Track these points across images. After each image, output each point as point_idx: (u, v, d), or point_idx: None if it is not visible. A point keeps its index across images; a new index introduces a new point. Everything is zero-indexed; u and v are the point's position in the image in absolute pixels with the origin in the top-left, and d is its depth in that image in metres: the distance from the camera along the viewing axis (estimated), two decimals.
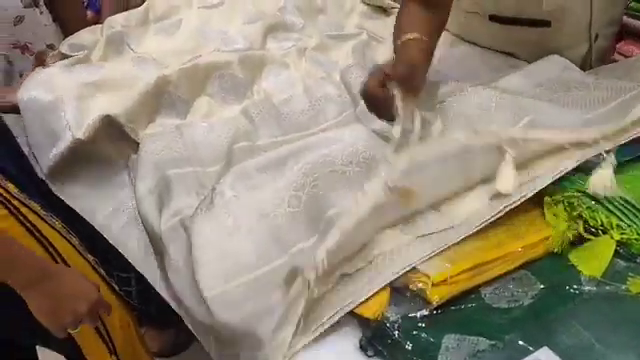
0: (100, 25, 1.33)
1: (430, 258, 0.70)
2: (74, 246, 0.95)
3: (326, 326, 0.67)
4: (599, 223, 0.73)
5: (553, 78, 1.00)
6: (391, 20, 1.01)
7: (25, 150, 1.07)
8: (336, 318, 0.67)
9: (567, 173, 0.77)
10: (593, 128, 0.83)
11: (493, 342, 0.63)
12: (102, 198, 1.00)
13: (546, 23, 1.05)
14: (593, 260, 0.70)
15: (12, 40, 1.40)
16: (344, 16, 1.39)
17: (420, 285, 0.68)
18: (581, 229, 0.74)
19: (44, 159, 1.02)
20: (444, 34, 1.22)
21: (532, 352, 0.61)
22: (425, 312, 0.66)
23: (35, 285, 0.77)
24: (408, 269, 0.69)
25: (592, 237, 0.73)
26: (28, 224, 0.89)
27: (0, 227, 0.85)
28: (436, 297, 0.67)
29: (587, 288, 0.68)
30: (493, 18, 1.10)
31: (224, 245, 0.76)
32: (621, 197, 0.74)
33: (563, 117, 0.89)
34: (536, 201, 0.77)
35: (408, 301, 0.68)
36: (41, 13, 1.42)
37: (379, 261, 0.71)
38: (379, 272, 0.70)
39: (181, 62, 1.11)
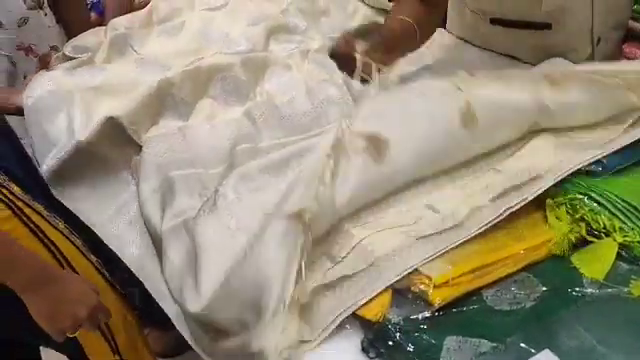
0: (104, 27, 1.33)
1: (432, 260, 0.70)
2: (77, 247, 0.95)
3: (330, 329, 0.67)
4: (601, 226, 0.73)
5: None
6: None
7: (29, 151, 1.08)
8: (338, 321, 0.67)
9: (569, 175, 0.77)
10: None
11: (495, 344, 0.63)
12: (103, 201, 1.00)
13: (547, 25, 1.06)
14: (595, 262, 0.70)
15: (16, 42, 1.41)
16: (347, 18, 1.39)
17: (422, 287, 0.68)
18: (583, 232, 0.74)
19: (46, 162, 1.02)
20: (447, 36, 1.23)
21: (534, 354, 0.61)
22: (427, 314, 0.66)
23: (35, 288, 0.77)
24: (410, 271, 0.70)
25: (594, 240, 0.73)
26: (32, 225, 0.90)
27: (4, 228, 0.85)
28: (438, 299, 0.67)
29: (589, 290, 0.68)
30: (495, 21, 1.11)
31: (227, 246, 0.76)
32: (624, 200, 0.74)
33: None
34: (538, 203, 0.77)
35: (410, 303, 0.68)
36: (45, 15, 1.42)
37: (380, 263, 0.71)
38: (380, 274, 0.70)
39: (184, 64, 1.12)
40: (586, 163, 0.78)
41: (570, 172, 0.78)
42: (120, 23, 1.31)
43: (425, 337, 0.64)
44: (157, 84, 1.06)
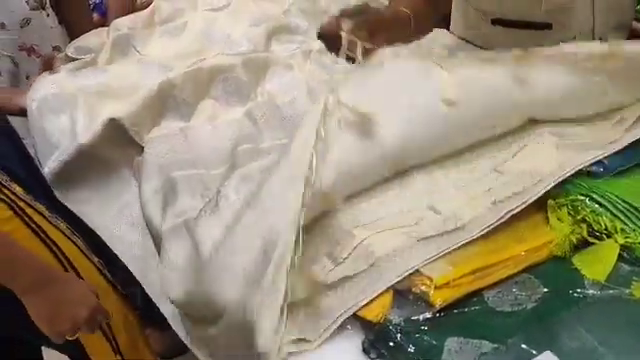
0: (106, 28, 1.33)
1: (433, 261, 0.70)
2: (79, 248, 0.95)
3: (330, 331, 0.67)
4: (603, 227, 0.72)
5: None
6: None
7: (31, 152, 1.08)
8: (339, 322, 0.67)
9: (570, 176, 0.77)
10: None
11: (496, 345, 0.63)
12: (105, 202, 1.01)
13: (547, 25, 1.06)
14: (597, 264, 0.70)
15: (18, 42, 1.41)
16: None
17: (423, 288, 0.68)
18: (585, 233, 0.73)
19: (48, 164, 1.02)
20: (449, 36, 1.23)
21: (535, 356, 0.61)
22: (428, 315, 0.66)
23: (35, 290, 0.77)
24: (411, 272, 0.69)
25: (596, 241, 0.73)
26: (33, 225, 0.90)
27: (5, 229, 0.85)
28: (439, 300, 0.67)
29: (591, 292, 0.68)
30: (496, 22, 1.11)
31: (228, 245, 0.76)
32: (625, 201, 0.73)
33: None
34: (539, 205, 0.76)
35: (411, 304, 0.68)
36: (47, 16, 1.43)
37: (381, 263, 0.71)
38: (381, 274, 0.70)
39: (185, 66, 1.12)
40: (587, 163, 0.78)
41: (572, 173, 0.77)
42: (122, 23, 1.31)
43: (426, 338, 0.64)
44: (158, 86, 1.07)
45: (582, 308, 0.66)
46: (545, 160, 0.81)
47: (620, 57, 0.83)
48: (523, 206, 0.75)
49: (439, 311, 0.66)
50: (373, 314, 0.67)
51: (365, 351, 0.66)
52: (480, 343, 0.63)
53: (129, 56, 1.23)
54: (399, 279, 0.69)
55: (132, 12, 1.41)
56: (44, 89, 1.08)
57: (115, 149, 1.03)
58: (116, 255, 0.96)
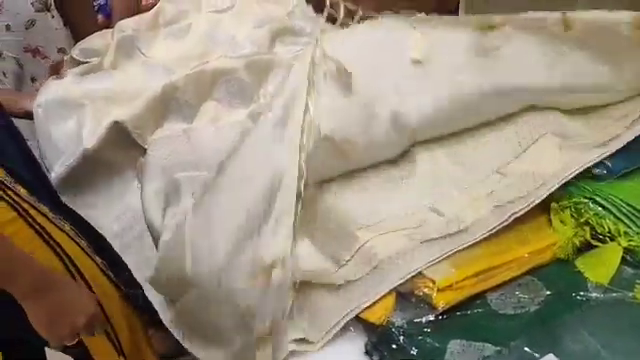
0: (111, 29, 1.34)
1: (435, 263, 0.70)
2: (82, 248, 0.95)
3: (334, 332, 0.67)
4: (606, 230, 0.72)
5: None
6: None
7: (35, 153, 1.08)
8: (342, 324, 0.67)
9: (574, 179, 0.77)
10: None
11: (499, 348, 0.63)
12: (109, 203, 1.01)
13: None
14: (600, 267, 0.70)
15: (23, 44, 1.41)
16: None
17: (425, 290, 0.68)
18: (588, 236, 0.73)
19: (55, 169, 1.03)
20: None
21: (538, 358, 0.61)
22: (430, 317, 0.66)
23: (35, 296, 0.77)
24: (413, 274, 0.70)
25: (599, 244, 0.73)
26: (37, 226, 0.90)
27: (9, 230, 0.85)
28: (442, 302, 0.67)
29: (594, 295, 0.68)
30: None
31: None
32: (628, 204, 0.73)
33: None
34: (543, 207, 0.76)
35: (413, 306, 0.68)
36: (52, 17, 1.43)
37: (384, 266, 0.71)
38: (384, 277, 0.70)
39: (189, 68, 1.12)
40: (591, 164, 0.78)
41: (576, 173, 0.77)
42: (127, 25, 1.31)
43: (429, 340, 0.64)
44: (162, 89, 1.07)
45: (585, 311, 0.66)
46: (548, 161, 0.81)
47: (577, 24, 0.83)
48: (526, 209, 0.75)
49: (442, 313, 0.67)
50: (376, 316, 0.67)
51: (367, 353, 0.66)
52: (483, 346, 0.63)
53: (134, 58, 1.24)
54: (402, 281, 0.69)
55: (137, 14, 1.41)
56: (50, 94, 1.09)
57: (118, 151, 1.04)
58: (119, 256, 0.96)
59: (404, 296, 0.69)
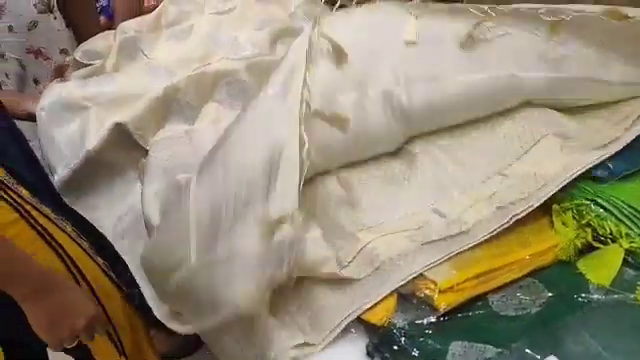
0: (113, 31, 1.34)
1: (437, 265, 0.70)
2: (84, 249, 0.96)
3: (335, 333, 0.67)
4: (608, 231, 0.72)
5: None
6: None
7: (38, 154, 1.09)
8: (343, 325, 0.68)
9: (575, 180, 0.77)
10: None
11: (500, 350, 0.63)
12: (111, 205, 1.02)
13: None
14: (602, 268, 0.70)
15: (26, 45, 1.42)
16: None
17: (427, 292, 0.68)
18: (590, 237, 0.73)
19: (57, 172, 1.03)
20: None
21: None
22: (432, 319, 0.66)
23: (34, 298, 0.77)
24: (415, 275, 0.70)
25: (601, 245, 0.73)
26: (39, 228, 0.90)
27: (11, 231, 0.86)
28: (443, 304, 0.67)
29: (595, 296, 0.68)
30: None
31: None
32: (630, 205, 0.73)
33: None
34: (544, 209, 0.76)
35: (415, 308, 0.68)
36: (55, 18, 1.43)
37: (386, 267, 0.71)
38: (386, 278, 0.70)
39: (190, 70, 1.12)
40: (591, 165, 0.78)
41: (577, 175, 0.77)
42: (129, 27, 1.31)
43: (430, 342, 0.64)
44: (163, 90, 1.07)
45: (586, 313, 0.66)
46: (550, 163, 0.81)
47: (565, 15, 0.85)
48: (528, 211, 0.75)
49: (443, 315, 0.67)
50: (377, 318, 0.67)
51: (369, 354, 0.66)
52: (484, 347, 0.63)
53: (136, 60, 1.24)
54: (403, 283, 0.69)
55: (139, 15, 1.42)
56: (54, 97, 1.09)
57: (120, 152, 1.04)
58: (121, 257, 0.96)
59: (405, 297, 0.69)
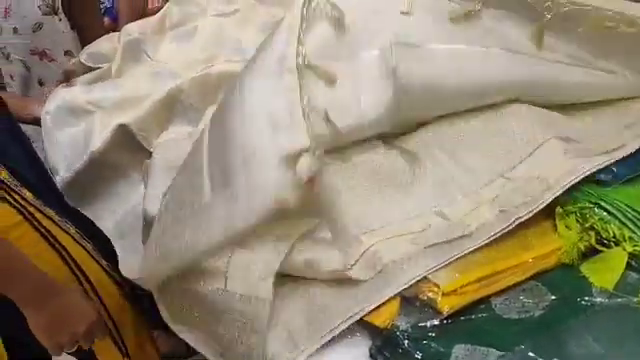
0: (117, 33, 1.34)
1: (440, 268, 0.70)
2: (88, 251, 0.96)
3: (335, 333, 0.67)
4: (611, 235, 0.72)
5: None
6: None
7: (42, 156, 1.09)
8: (344, 326, 0.68)
9: (579, 184, 0.77)
10: None
11: (503, 353, 0.63)
12: (115, 206, 1.02)
13: None
14: (605, 272, 0.70)
15: (30, 46, 1.43)
16: None
17: (430, 295, 0.68)
18: (593, 241, 0.73)
19: (61, 174, 1.04)
20: None
21: None
22: (435, 322, 0.66)
23: (35, 303, 0.78)
24: (418, 278, 0.70)
25: (604, 249, 0.73)
26: (43, 229, 0.90)
27: (15, 234, 0.86)
28: (446, 307, 0.67)
29: (598, 300, 0.67)
30: None
31: None
32: (634, 209, 0.73)
33: None
34: (548, 212, 0.76)
35: (418, 310, 0.68)
36: (59, 20, 1.44)
37: (389, 270, 0.71)
38: (389, 281, 0.70)
39: (194, 72, 1.13)
40: (594, 169, 0.78)
41: (579, 179, 0.77)
42: (133, 28, 1.32)
43: (433, 345, 0.64)
44: (167, 92, 1.08)
45: (590, 316, 0.66)
46: (553, 166, 0.80)
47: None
48: (531, 214, 0.75)
49: (446, 318, 0.67)
50: (380, 320, 0.67)
51: (372, 357, 0.66)
52: (487, 350, 0.63)
53: (140, 62, 1.24)
54: (406, 286, 0.69)
55: (143, 17, 1.42)
56: (59, 102, 1.10)
57: (124, 154, 1.04)
58: None
59: (409, 300, 0.69)
